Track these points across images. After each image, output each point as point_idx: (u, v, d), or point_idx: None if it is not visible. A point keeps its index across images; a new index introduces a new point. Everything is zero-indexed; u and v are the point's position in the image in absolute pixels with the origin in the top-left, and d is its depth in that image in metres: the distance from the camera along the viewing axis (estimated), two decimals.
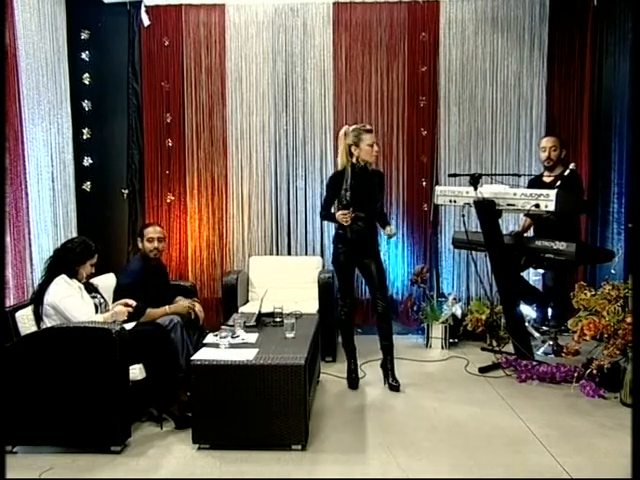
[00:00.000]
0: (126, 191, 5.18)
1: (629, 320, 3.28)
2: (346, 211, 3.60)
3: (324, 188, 5.12)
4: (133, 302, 3.36)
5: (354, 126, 3.74)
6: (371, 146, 3.67)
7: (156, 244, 3.79)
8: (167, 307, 3.60)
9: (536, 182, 4.33)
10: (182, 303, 3.70)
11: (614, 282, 3.63)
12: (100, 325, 2.99)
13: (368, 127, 3.72)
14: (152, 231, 3.80)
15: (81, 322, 3.03)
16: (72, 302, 3.12)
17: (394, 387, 3.72)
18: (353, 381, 3.81)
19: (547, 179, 4.27)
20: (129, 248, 5.13)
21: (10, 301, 3.70)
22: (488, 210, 3.88)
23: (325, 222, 5.10)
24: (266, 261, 5.05)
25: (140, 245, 3.80)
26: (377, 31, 5.05)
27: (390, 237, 3.96)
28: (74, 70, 4.87)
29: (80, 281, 3.30)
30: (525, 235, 4.40)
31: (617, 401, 3.47)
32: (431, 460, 2.81)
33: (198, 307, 3.73)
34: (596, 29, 4.95)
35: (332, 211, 3.79)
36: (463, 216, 4.12)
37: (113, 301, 3.61)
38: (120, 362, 2.89)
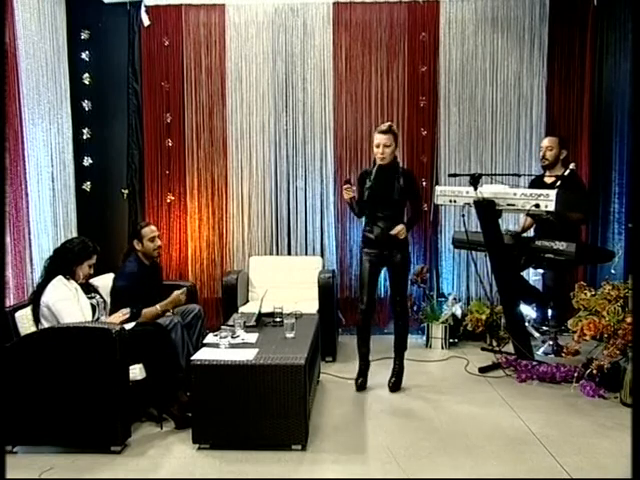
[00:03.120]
0: (126, 191, 5.17)
1: (629, 320, 3.28)
2: (347, 185, 3.61)
3: (324, 188, 5.16)
4: (126, 310, 3.36)
5: None
6: (377, 147, 3.59)
7: (158, 242, 3.81)
8: (157, 306, 3.56)
9: (537, 182, 4.34)
10: (175, 294, 3.65)
11: (614, 282, 3.63)
12: (100, 325, 3.00)
13: (382, 127, 3.59)
14: (150, 231, 3.78)
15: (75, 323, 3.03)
16: (65, 305, 3.11)
17: (391, 388, 3.72)
18: (361, 384, 3.76)
19: (548, 179, 4.28)
20: (128, 249, 5.13)
21: (10, 301, 3.70)
22: (488, 210, 3.88)
23: (325, 222, 5.14)
24: (266, 261, 5.05)
25: (139, 247, 3.74)
26: (377, 31, 5.05)
27: (396, 235, 3.59)
28: (74, 70, 4.88)
29: (77, 282, 3.29)
30: (525, 235, 4.40)
31: (617, 401, 3.47)
32: (431, 460, 2.81)
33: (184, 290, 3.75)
34: (596, 29, 4.95)
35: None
36: (463, 216, 4.12)
37: (110, 303, 3.60)
38: (120, 362, 2.89)
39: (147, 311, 3.52)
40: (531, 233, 4.50)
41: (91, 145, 5.05)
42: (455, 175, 4.26)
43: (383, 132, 3.58)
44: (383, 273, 4.04)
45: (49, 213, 4.39)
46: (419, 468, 2.73)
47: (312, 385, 3.40)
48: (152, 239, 3.76)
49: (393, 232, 3.58)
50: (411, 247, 5.08)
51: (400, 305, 3.76)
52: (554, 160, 4.25)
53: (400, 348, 3.82)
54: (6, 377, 2.80)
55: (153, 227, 3.86)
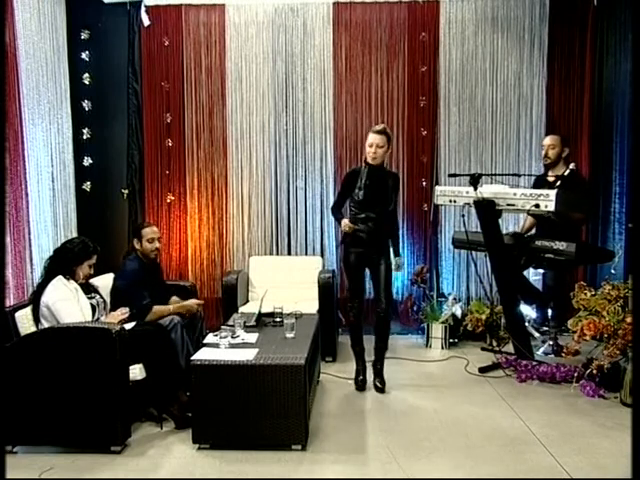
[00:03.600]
0: (126, 191, 5.18)
1: (629, 320, 3.28)
2: (351, 225, 3.63)
3: (324, 188, 5.16)
4: (126, 309, 3.36)
5: None
6: (370, 146, 3.62)
7: (157, 244, 3.80)
8: (170, 307, 3.61)
9: (540, 181, 4.33)
10: (191, 302, 3.72)
11: (614, 282, 3.63)
12: (100, 325, 3.00)
13: (377, 127, 3.66)
14: (151, 232, 3.78)
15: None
16: (65, 306, 3.10)
17: (379, 388, 3.69)
18: (360, 384, 3.75)
19: (550, 178, 4.27)
20: (129, 248, 5.13)
21: (10, 301, 3.70)
22: (488, 210, 3.88)
23: (325, 222, 5.14)
24: (266, 261, 5.05)
25: (138, 246, 3.75)
26: (377, 31, 5.05)
27: (397, 269, 3.89)
28: (74, 70, 4.87)
29: (77, 282, 3.29)
30: (526, 235, 4.40)
31: (617, 401, 3.47)
32: (431, 460, 2.81)
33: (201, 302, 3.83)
34: (596, 29, 4.95)
35: (344, 207, 3.87)
36: (463, 216, 4.12)
37: (110, 302, 3.61)
38: (120, 362, 2.88)
39: (158, 309, 3.54)
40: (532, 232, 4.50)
41: (91, 145, 5.05)
42: (455, 175, 4.26)
43: (378, 132, 3.62)
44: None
45: (49, 213, 4.39)
46: (419, 468, 2.73)
47: (312, 385, 3.40)
48: (151, 240, 3.75)
49: (398, 271, 3.93)
50: (411, 247, 5.15)
51: (386, 306, 3.72)
52: (556, 158, 4.24)
53: (382, 349, 3.79)
54: (6, 377, 2.80)
55: (155, 228, 3.85)
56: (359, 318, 3.81)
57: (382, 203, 3.69)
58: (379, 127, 3.65)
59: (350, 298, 3.84)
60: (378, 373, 3.77)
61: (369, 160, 3.66)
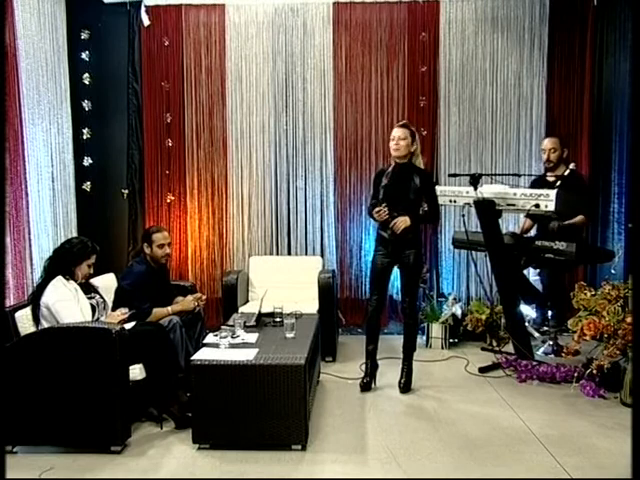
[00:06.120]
0: (126, 191, 5.18)
1: (629, 320, 3.28)
2: (379, 207, 3.54)
3: (324, 188, 5.16)
4: (126, 310, 3.35)
5: None
6: (392, 139, 3.60)
7: (167, 250, 3.77)
8: (169, 308, 3.61)
9: (539, 182, 4.33)
10: (187, 299, 3.70)
11: (614, 282, 3.62)
12: (100, 325, 3.00)
13: (399, 122, 3.70)
14: (162, 237, 3.72)
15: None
16: (65, 306, 3.10)
17: (402, 389, 3.69)
18: (364, 385, 3.71)
19: (550, 179, 4.27)
20: (129, 248, 5.13)
21: (10, 301, 3.70)
22: (488, 210, 3.88)
23: (325, 222, 5.15)
24: (266, 261, 5.05)
25: (147, 250, 3.71)
26: (377, 31, 5.05)
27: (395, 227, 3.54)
28: (74, 70, 4.88)
29: (77, 282, 3.29)
30: (524, 236, 4.40)
31: (617, 401, 3.47)
32: (431, 460, 2.81)
33: (199, 295, 3.80)
34: (596, 29, 4.96)
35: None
36: (463, 216, 4.12)
37: (114, 302, 3.60)
38: (120, 362, 2.88)
39: (158, 311, 3.53)
40: (532, 234, 4.50)
41: (91, 145, 5.05)
42: (455, 175, 4.26)
43: (400, 126, 3.64)
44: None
45: (49, 213, 4.39)
46: (419, 468, 2.73)
47: (312, 385, 3.40)
48: (161, 246, 3.71)
49: (391, 224, 3.52)
50: None
51: (409, 306, 3.72)
52: (557, 160, 4.25)
53: (409, 349, 3.78)
54: (6, 377, 2.80)
55: (166, 234, 3.79)
56: (375, 318, 3.75)
57: (405, 202, 3.58)
58: (401, 122, 3.70)
59: (370, 291, 3.84)
60: (404, 374, 3.75)
61: (392, 153, 3.63)
